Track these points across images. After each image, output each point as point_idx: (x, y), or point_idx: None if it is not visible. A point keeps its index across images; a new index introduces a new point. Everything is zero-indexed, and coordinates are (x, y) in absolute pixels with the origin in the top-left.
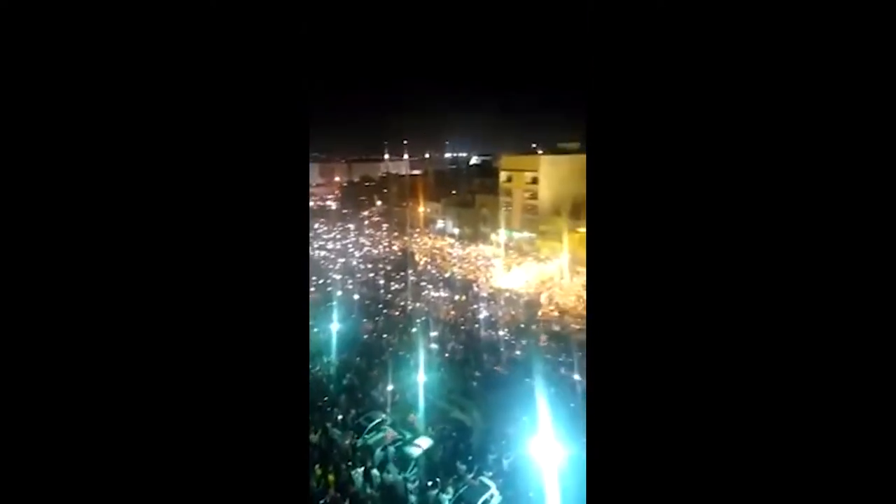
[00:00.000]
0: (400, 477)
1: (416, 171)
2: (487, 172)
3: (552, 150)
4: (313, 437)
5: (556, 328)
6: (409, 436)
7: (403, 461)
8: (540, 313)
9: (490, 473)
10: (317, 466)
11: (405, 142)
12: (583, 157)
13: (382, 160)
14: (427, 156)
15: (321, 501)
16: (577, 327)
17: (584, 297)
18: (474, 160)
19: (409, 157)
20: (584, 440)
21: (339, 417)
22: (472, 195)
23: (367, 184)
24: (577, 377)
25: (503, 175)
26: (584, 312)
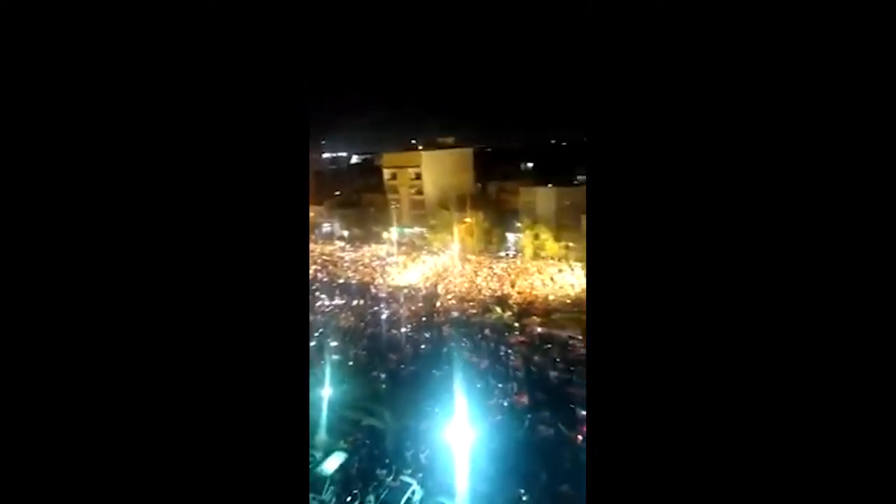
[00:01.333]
0: (316, 500)
1: None
2: (370, 171)
3: (432, 145)
4: None
5: (456, 315)
6: (319, 456)
7: (317, 484)
8: (439, 304)
9: (409, 471)
10: None
11: None
12: (462, 152)
13: None
14: None
15: None
16: (474, 311)
17: (477, 281)
18: (355, 159)
19: None
20: (495, 418)
21: None
22: (358, 195)
23: None
24: (480, 360)
25: (387, 172)
26: (478, 296)
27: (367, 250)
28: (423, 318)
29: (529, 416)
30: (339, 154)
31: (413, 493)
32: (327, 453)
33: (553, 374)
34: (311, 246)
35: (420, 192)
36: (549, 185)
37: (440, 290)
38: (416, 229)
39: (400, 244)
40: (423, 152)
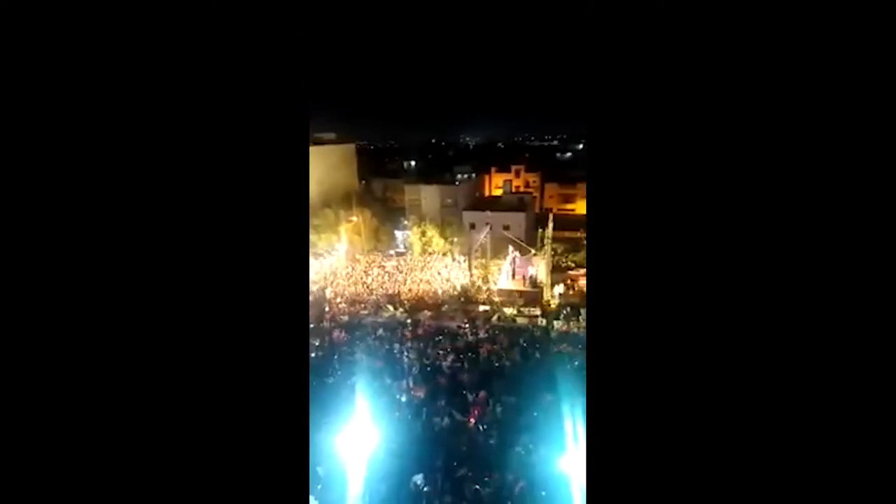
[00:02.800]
0: None
1: None
2: None
3: (312, 140)
4: None
5: (347, 319)
6: None
7: None
8: (328, 309)
9: (319, 486)
10: None
11: None
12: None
13: None
14: None
15: None
16: (365, 312)
17: (367, 281)
18: None
19: None
20: (395, 414)
21: None
22: None
23: None
24: (374, 361)
25: None
26: (369, 297)
27: None
28: (311, 326)
29: (425, 408)
30: None
31: None
32: None
33: (445, 364)
34: None
35: None
36: (434, 184)
37: (328, 294)
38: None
39: None
40: None
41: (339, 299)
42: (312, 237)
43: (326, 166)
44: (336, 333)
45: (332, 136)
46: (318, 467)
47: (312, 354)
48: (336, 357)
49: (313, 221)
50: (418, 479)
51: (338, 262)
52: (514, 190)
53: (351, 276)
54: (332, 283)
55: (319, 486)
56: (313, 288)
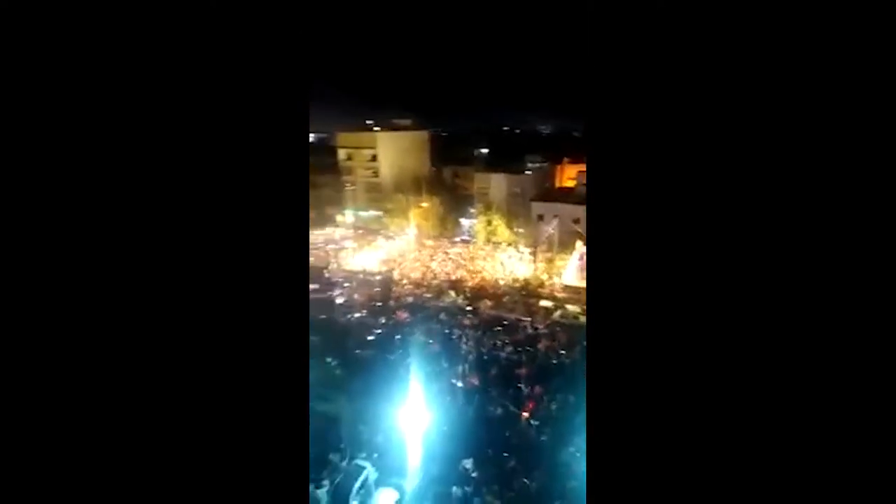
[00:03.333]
0: None
1: None
2: (326, 151)
3: (388, 126)
4: None
5: (411, 300)
6: None
7: None
8: (395, 289)
9: (364, 454)
10: None
11: None
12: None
13: None
14: None
15: None
16: (429, 296)
17: (432, 266)
18: (309, 138)
19: None
20: (448, 399)
21: None
22: (312, 175)
23: None
24: (433, 343)
25: (342, 153)
26: (433, 282)
27: (322, 233)
28: (378, 304)
29: (479, 396)
30: None
31: (367, 476)
32: None
33: (503, 355)
34: None
35: (376, 175)
36: (502, 173)
37: (396, 275)
38: (372, 213)
39: (355, 228)
40: (378, 133)
41: (405, 281)
42: (385, 220)
43: (398, 151)
44: (400, 313)
45: (407, 122)
46: (376, 437)
47: (377, 330)
48: (398, 336)
49: (386, 205)
50: (468, 463)
51: (406, 245)
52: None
53: (418, 260)
54: (399, 265)
55: (376, 455)
56: (383, 268)
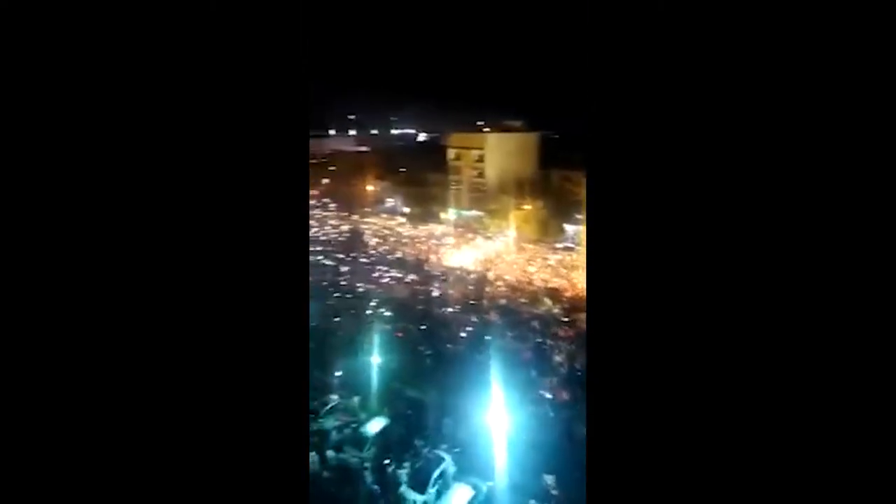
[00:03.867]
0: (356, 457)
1: (362, 148)
2: (436, 150)
3: (498, 128)
4: None
5: (504, 302)
6: (363, 417)
7: (359, 441)
8: (489, 289)
9: (445, 446)
10: None
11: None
12: (527, 136)
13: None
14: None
15: None
16: (524, 301)
17: (529, 270)
18: (422, 137)
19: (356, 133)
20: (533, 408)
21: None
22: (421, 173)
23: (312, 161)
24: (524, 350)
25: (451, 153)
26: (529, 287)
27: (424, 228)
28: (472, 302)
29: (568, 411)
30: (407, 131)
31: (446, 467)
32: (370, 416)
33: None
34: (374, 219)
35: (481, 175)
36: None
37: (491, 275)
38: (475, 212)
39: (457, 225)
40: (487, 134)
41: (499, 283)
42: (486, 220)
43: (506, 152)
44: (492, 315)
45: (518, 123)
46: (459, 432)
47: (469, 328)
48: (488, 336)
49: (489, 205)
50: (549, 479)
51: (504, 247)
52: None
53: (514, 263)
54: (495, 266)
55: (457, 450)
56: (479, 267)
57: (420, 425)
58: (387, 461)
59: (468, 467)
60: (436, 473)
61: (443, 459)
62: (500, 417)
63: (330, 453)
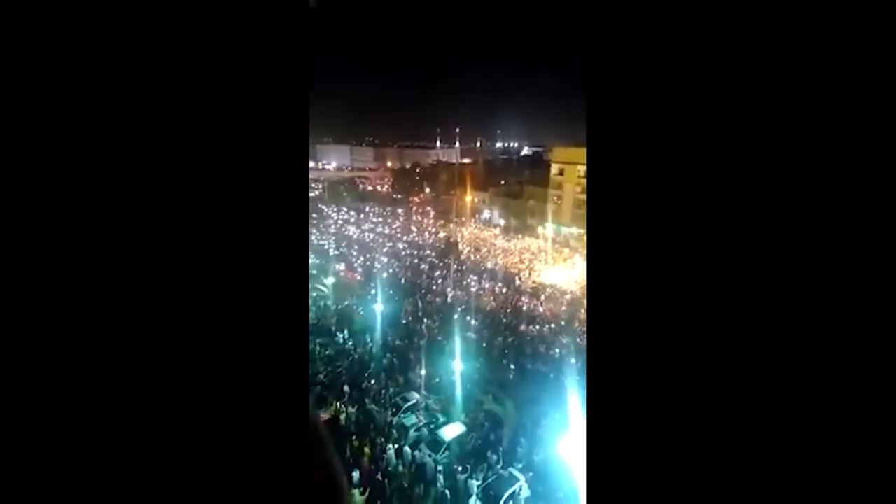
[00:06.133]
0: (431, 458)
1: (466, 160)
2: (538, 164)
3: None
4: (352, 412)
5: None
6: (442, 420)
7: (435, 443)
8: (582, 312)
9: (520, 466)
10: (353, 438)
11: (457, 129)
12: None
13: (434, 147)
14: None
15: (355, 471)
16: None
17: None
18: (526, 150)
19: (461, 144)
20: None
21: (378, 394)
22: (521, 186)
23: (417, 170)
24: None
25: (554, 167)
26: None
27: (520, 242)
28: (563, 322)
29: None
30: (512, 144)
31: (520, 488)
32: (448, 420)
33: None
34: (470, 228)
35: (584, 191)
36: None
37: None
38: (574, 229)
39: (554, 241)
40: None
41: None
42: (585, 238)
43: None
44: (581, 339)
45: None
46: (535, 454)
47: (557, 349)
48: (577, 361)
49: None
50: None
51: None
52: None
53: None
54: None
55: (531, 473)
56: (574, 287)
57: (495, 440)
58: (459, 468)
59: (540, 494)
60: (508, 492)
61: (517, 479)
62: (579, 447)
63: (406, 449)
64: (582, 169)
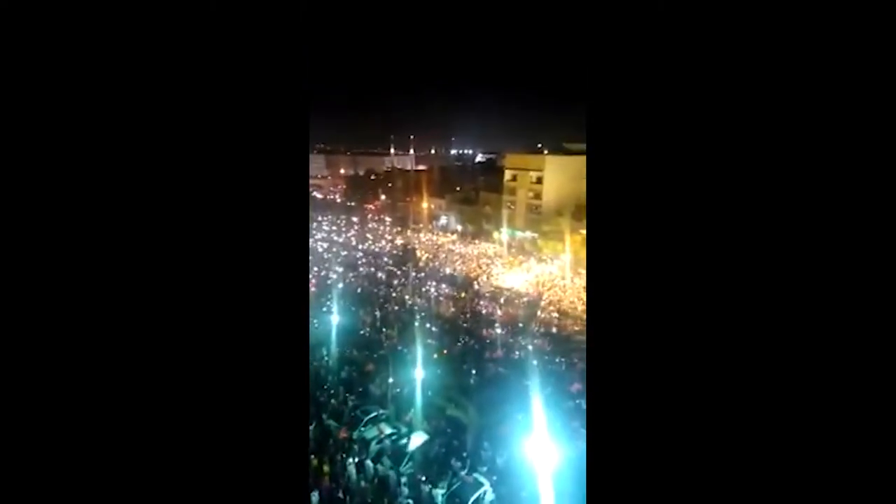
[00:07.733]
0: (393, 470)
1: (421, 167)
2: (492, 170)
3: (558, 150)
4: (309, 429)
5: (555, 330)
6: (404, 430)
7: (398, 455)
8: (539, 314)
9: (484, 469)
10: (312, 457)
11: (411, 137)
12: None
13: (388, 154)
14: (433, 151)
15: (315, 491)
16: (577, 329)
17: (583, 297)
18: (480, 157)
19: (415, 152)
20: (580, 443)
21: (336, 409)
22: (476, 192)
23: (371, 177)
24: (572, 381)
25: (508, 174)
26: (584, 315)
27: (477, 247)
28: (521, 325)
29: None
30: (466, 151)
31: (484, 493)
32: (411, 430)
33: None
34: (427, 235)
35: (538, 197)
36: None
37: (543, 300)
38: (528, 234)
39: (510, 246)
40: (547, 156)
41: (552, 308)
42: (540, 242)
43: (566, 176)
44: (539, 340)
45: (581, 146)
46: (499, 458)
47: (516, 352)
48: (536, 362)
49: (543, 227)
50: None
51: (559, 271)
52: None
53: (569, 289)
54: (549, 290)
55: (495, 477)
56: (531, 290)
57: (459, 446)
58: (423, 478)
59: (505, 498)
60: (473, 497)
61: (481, 485)
62: (542, 449)
63: (368, 463)
64: (534, 175)
